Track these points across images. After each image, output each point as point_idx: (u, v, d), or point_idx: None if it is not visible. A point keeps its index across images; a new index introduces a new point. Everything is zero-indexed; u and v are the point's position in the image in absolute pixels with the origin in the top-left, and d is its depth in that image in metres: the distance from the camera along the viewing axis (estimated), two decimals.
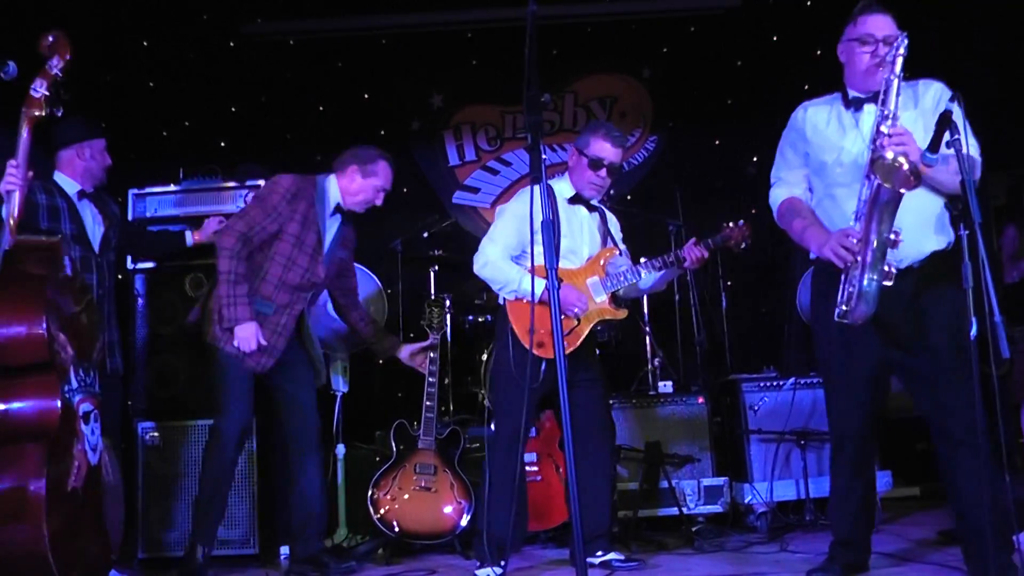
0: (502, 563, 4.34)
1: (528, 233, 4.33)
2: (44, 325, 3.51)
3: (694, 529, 5.09)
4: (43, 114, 3.94)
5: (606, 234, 4.64)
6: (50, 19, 6.09)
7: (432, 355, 5.07)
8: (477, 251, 4.50)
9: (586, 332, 4.40)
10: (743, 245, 4.49)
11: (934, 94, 3.70)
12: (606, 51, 7.79)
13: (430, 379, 5.04)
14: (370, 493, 4.90)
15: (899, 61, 3.52)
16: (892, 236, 3.40)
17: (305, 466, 4.62)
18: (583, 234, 4.56)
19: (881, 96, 3.56)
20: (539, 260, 4.41)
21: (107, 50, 6.93)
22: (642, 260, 4.53)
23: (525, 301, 4.35)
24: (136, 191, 5.35)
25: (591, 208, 4.62)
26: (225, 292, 4.38)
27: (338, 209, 4.70)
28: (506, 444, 4.36)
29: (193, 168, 5.46)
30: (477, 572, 4.36)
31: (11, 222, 3.74)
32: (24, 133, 3.91)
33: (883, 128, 3.49)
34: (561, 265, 4.41)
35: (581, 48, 7.72)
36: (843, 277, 3.57)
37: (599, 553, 4.44)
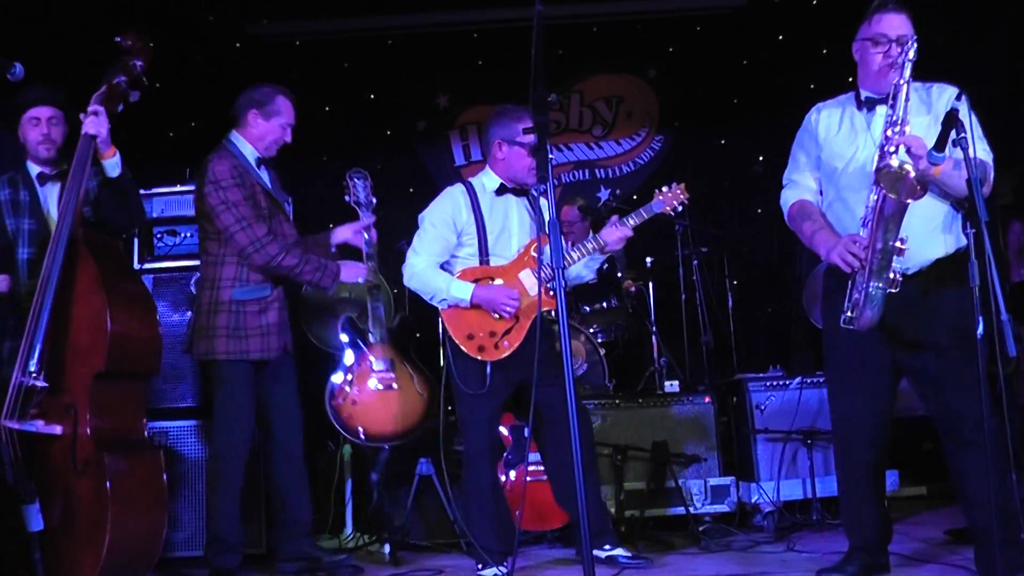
0: (505, 564, 4.31)
1: (452, 237, 4.34)
2: None
3: (701, 529, 5.09)
4: (118, 110, 4.09)
5: (539, 221, 4.45)
6: (56, 18, 6.14)
7: (368, 236, 4.80)
8: (405, 264, 4.43)
9: (527, 327, 4.28)
10: (679, 208, 4.43)
11: (948, 99, 3.65)
12: (612, 51, 7.80)
13: (368, 262, 4.72)
14: (329, 402, 4.61)
15: (908, 66, 3.49)
16: (898, 244, 3.39)
17: (287, 470, 4.54)
18: (513, 226, 4.45)
19: (890, 101, 3.53)
20: (470, 263, 4.39)
21: (113, 50, 6.93)
22: (569, 243, 4.44)
23: (460, 307, 4.30)
24: (143, 191, 5.34)
25: (519, 194, 4.50)
26: (300, 268, 4.34)
27: (260, 162, 4.55)
28: (475, 457, 4.34)
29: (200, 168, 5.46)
30: (482, 573, 4.34)
31: None
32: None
33: (890, 132, 3.47)
34: (492, 262, 4.37)
35: (587, 48, 7.73)
36: (850, 283, 3.56)
37: (606, 547, 4.42)
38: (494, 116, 4.51)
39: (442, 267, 4.41)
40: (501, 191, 4.45)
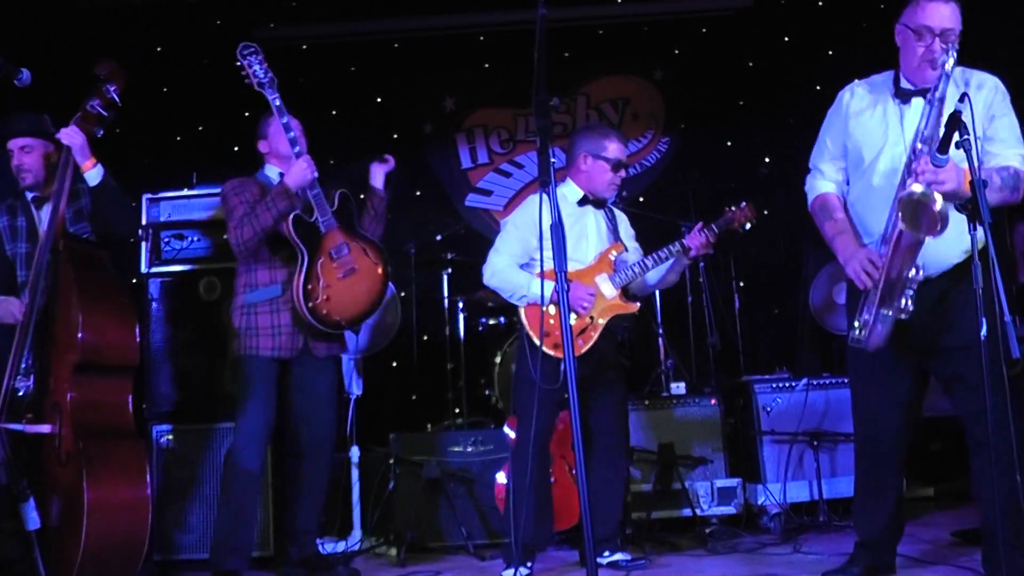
0: (528, 564, 4.38)
1: (533, 240, 4.41)
2: None
3: (707, 530, 5.09)
4: (97, 134, 4.39)
5: (615, 231, 4.68)
6: (63, 25, 6.17)
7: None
8: (484, 263, 4.57)
9: (600, 329, 4.42)
10: (747, 226, 4.53)
11: (987, 94, 3.56)
12: (618, 53, 7.80)
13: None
14: (305, 305, 4.42)
15: (942, 80, 3.35)
16: (912, 273, 3.35)
17: (307, 476, 4.60)
18: (591, 234, 4.60)
19: (923, 113, 3.41)
20: (548, 266, 4.45)
21: (120, 56, 6.95)
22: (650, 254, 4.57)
23: (538, 305, 4.37)
24: (150, 196, 5.36)
25: (598, 206, 4.66)
26: (256, 223, 4.41)
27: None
28: (529, 449, 4.35)
29: (206, 172, 5.48)
30: (503, 574, 4.38)
31: None
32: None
33: (919, 146, 3.36)
34: (570, 267, 4.41)
35: (593, 50, 7.74)
36: (862, 299, 3.53)
37: (606, 553, 4.48)
38: (582, 131, 4.78)
39: (521, 268, 4.53)
40: (583, 202, 4.61)
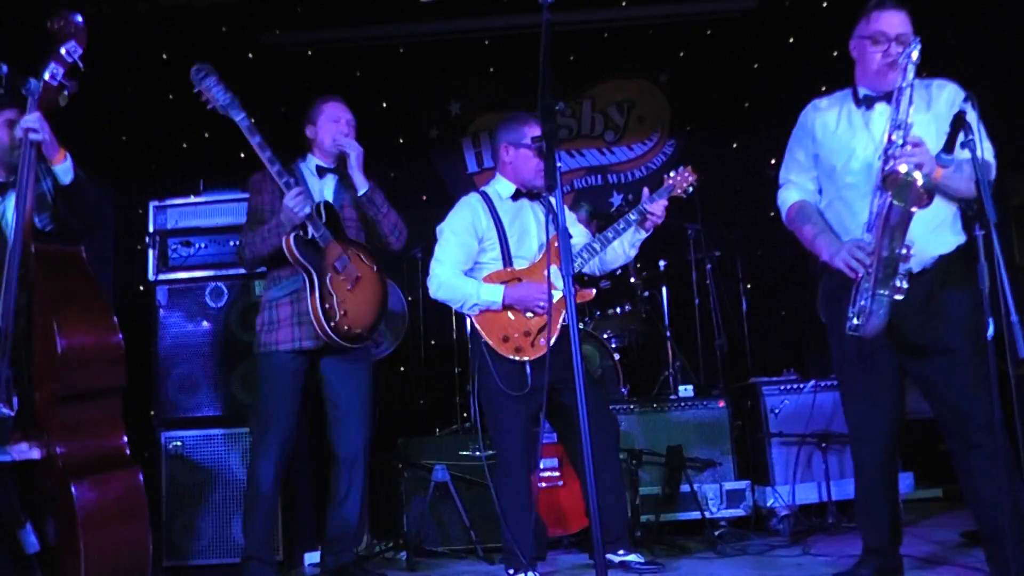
0: (535, 569, 4.32)
1: (474, 244, 4.37)
2: None
3: (716, 533, 5.08)
4: (61, 104, 3.75)
5: (553, 219, 4.37)
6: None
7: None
8: (429, 276, 4.43)
9: (559, 324, 4.28)
10: (690, 190, 4.53)
11: (948, 96, 3.63)
12: (623, 56, 7.81)
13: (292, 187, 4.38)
14: (328, 325, 4.35)
15: (911, 69, 3.45)
16: (904, 251, 3.36)
17: (339, 476, 4.55)
18: (531, 228, 4.51)
19: (893, 104, 3.50)
20: (494, 267, 4.41)
21: (127, 62, 6.99)
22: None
23: (491, 311, 4.31)
24: (157, 203, 5.37)
25: (533, 198, 4.57)
26: (256, 245, 4.42)
27: (322, 170, 4.67)
28: (512, 459, 4.32)
29: (213, 179, 5.50)
30: None
31: None
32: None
33: (895, 137, 3.44)
34: (516, 265, 4.39)
35: (598, 54, 7.75)
36: (854, 290, 3.53)
37: (620, 552, 4.42)
38: (500, 123, 4.63)
39: (466, 274, 4.41)
40: (516, 196, 4.52)
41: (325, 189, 4.63)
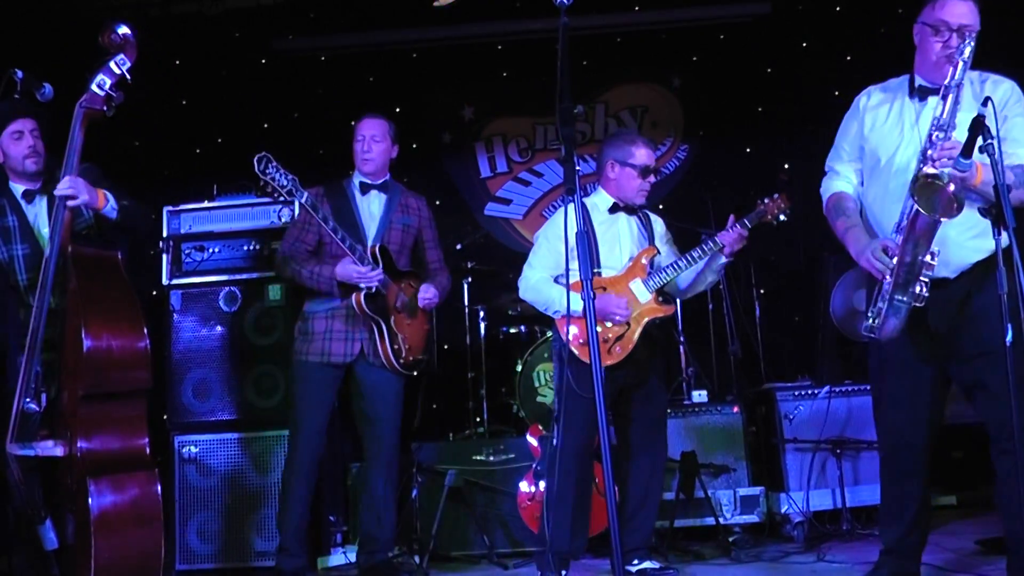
0: (564, 573, 4.35)
1: (563, 252, 4.39)
2: None
3: (730, 539, 5.07)
4: (107, 114, 3.86)
5: (649, 236, 4.67)
6: (82, 38, 6.19)
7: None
8: (520, 278, 4.62)
9: (636, 335, 4.41)
10: (781, 217, 4.50)
11: (1003, 94, 3.52)
12: (636, 61, 7.79)
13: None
14: (398, 363, 4.60)
15: (961, 67, 3.34)
16: (928, 259, 3.31)
17: (375, 479, 4.71)
18: (624, 240, 4.60)
19: (939, 101, 3.39)
20: (574, 276, 4.46)
21: (139, 68, 6.99)
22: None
23: (573, 316, 4.36)
24: (170, 208, 5.39)
25: (630, 212, 4.65)
26: (298, 275, 4.62)
27: (366, 187, 4.84)
28: (571, 457, 4.35)
29: (227, 184, 5.50)
30: None
31: None
32: (78, 136, 3.80)
33: (935, 136, 3.35)
34: (603, 274, 4.49)
35: (611, 58, 7.74)
36: (876, 290, 3.50)
37: (635, 562, 4.46)
38: (609, 138, 4.86)
39: (556, 280, 4.55)
40: (614, 209, 4.62)
41: (372, 206, 4.80)
